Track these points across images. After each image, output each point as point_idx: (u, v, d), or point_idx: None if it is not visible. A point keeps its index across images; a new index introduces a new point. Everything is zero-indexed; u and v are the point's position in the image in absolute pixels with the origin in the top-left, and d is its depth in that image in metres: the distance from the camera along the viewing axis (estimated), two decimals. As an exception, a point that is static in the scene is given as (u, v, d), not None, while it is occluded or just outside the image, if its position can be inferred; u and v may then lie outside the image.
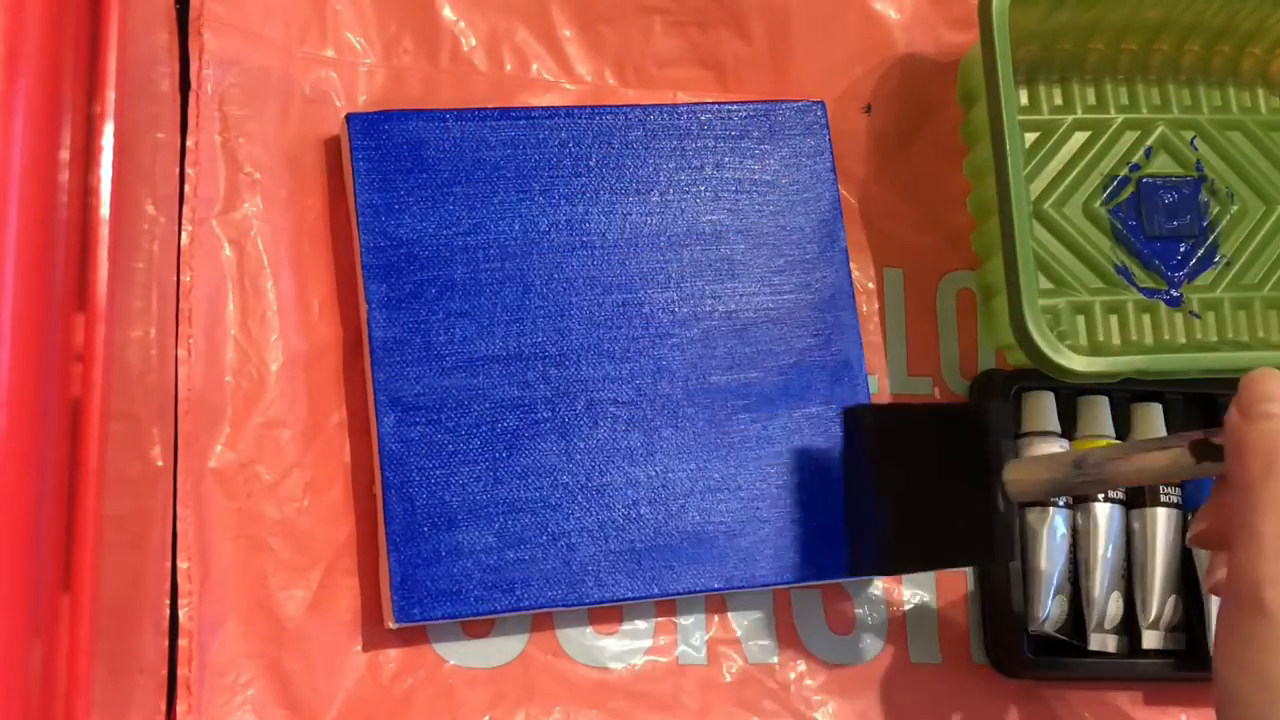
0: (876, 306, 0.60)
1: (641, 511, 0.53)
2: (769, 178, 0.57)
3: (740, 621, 0.56)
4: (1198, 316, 0.60)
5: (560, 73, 0.59)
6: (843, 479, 0.55)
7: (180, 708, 0.47)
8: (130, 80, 0.35)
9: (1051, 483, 0.51)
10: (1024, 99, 0.61)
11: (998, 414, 0.56)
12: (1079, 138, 0.61)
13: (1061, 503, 0.57)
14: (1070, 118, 0.61)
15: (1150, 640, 0.57)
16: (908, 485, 0.54)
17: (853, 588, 0.57)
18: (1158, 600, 0.57)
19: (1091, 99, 0.61)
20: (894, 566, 0.55)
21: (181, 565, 0.48)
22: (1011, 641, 0.56)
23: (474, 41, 0.58)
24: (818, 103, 0.59)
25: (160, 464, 0.47)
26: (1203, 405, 0.60)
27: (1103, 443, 0.58)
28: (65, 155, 0.30)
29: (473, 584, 0.51)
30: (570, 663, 0.54)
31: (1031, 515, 0.57)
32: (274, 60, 0.54)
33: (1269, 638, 0.40)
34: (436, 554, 0.51)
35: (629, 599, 0.53)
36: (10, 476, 0.27)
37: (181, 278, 0.50)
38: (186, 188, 0.51)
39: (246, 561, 0.51)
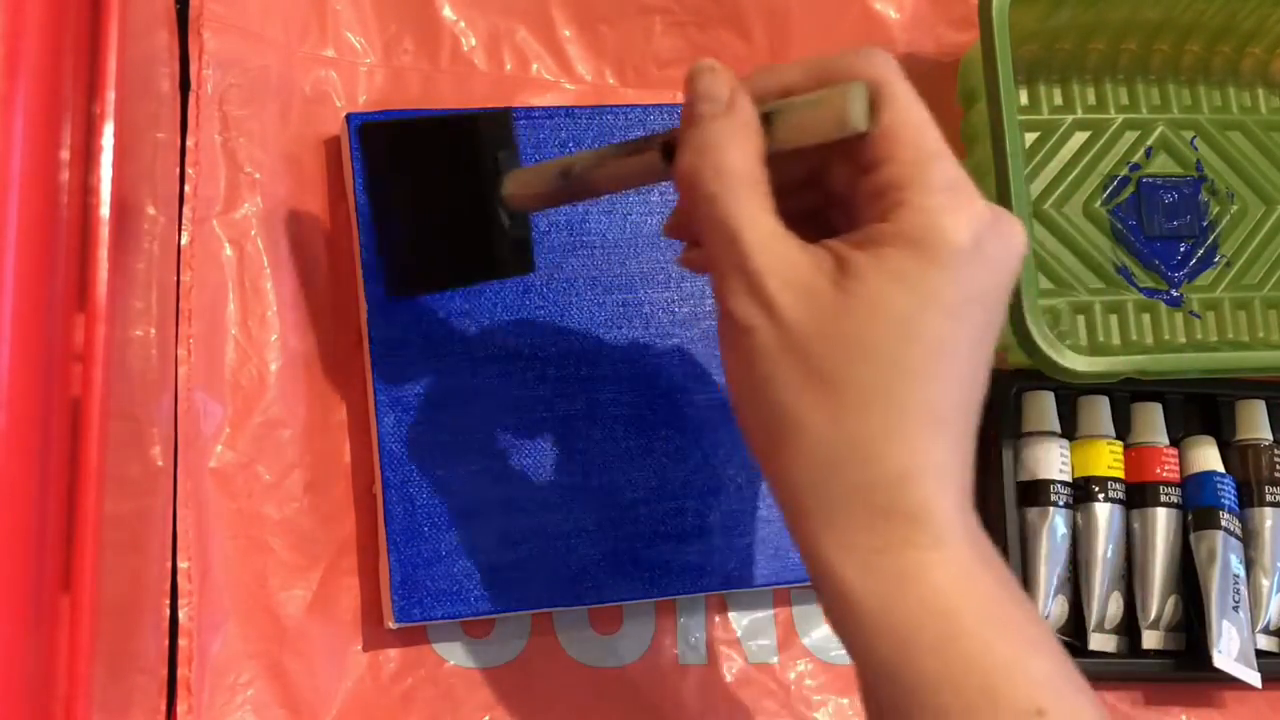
0: (876, 306, 0.60)
1: (641, 511, 0.53)
2: (769, 178, 0.57)
3: (740, 621, 0.56)
4: (1198, 316, 0.60)
5: (560, 73, 0.59)
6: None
7: (180, 708, 0.47)
8: (130, 80, 0.35)
9: (545, 194, 0.46)
10: (1024, 99, 0.61)
11: (501, 127, 0.48)
12: (1079, 138, 0.61)
13: (1061, 503, 0.57)
14: (1070, 118, 0.61)
15: (1150, 640, 0.57)
16: (419, 203, 0.50)
17: (853, 588, 0.57)
18: (1157, 600, 0.57)
19: (1091, 99, 0.61)
20: (408, 288, 0.52)
21: (181, 565, 0.48)
22: (1011, 641, 0.56)
23: (474, 41, 0.58)
24: (818, 103, 0.59)
25: (160, 464, 0.47)
26: (1203, 405, 0.60)
27: (1103, 444, 0.58)
28: (65, 155, 0.30)
29: (473, 584, 0.51)
30: (570, 663, 0.53)
31: (1031, 515, 0.57)
32: (274, 60, 0.54)
33: (743, 345, 0.39)
34: (436, 554, 0.51)
35: (629, 599, 0.53)
36: (10, 476, 0.27)
37: (181, 278, 0.50)
38: (186, 188, 0.51)
39: (246, 561, 0.51)
